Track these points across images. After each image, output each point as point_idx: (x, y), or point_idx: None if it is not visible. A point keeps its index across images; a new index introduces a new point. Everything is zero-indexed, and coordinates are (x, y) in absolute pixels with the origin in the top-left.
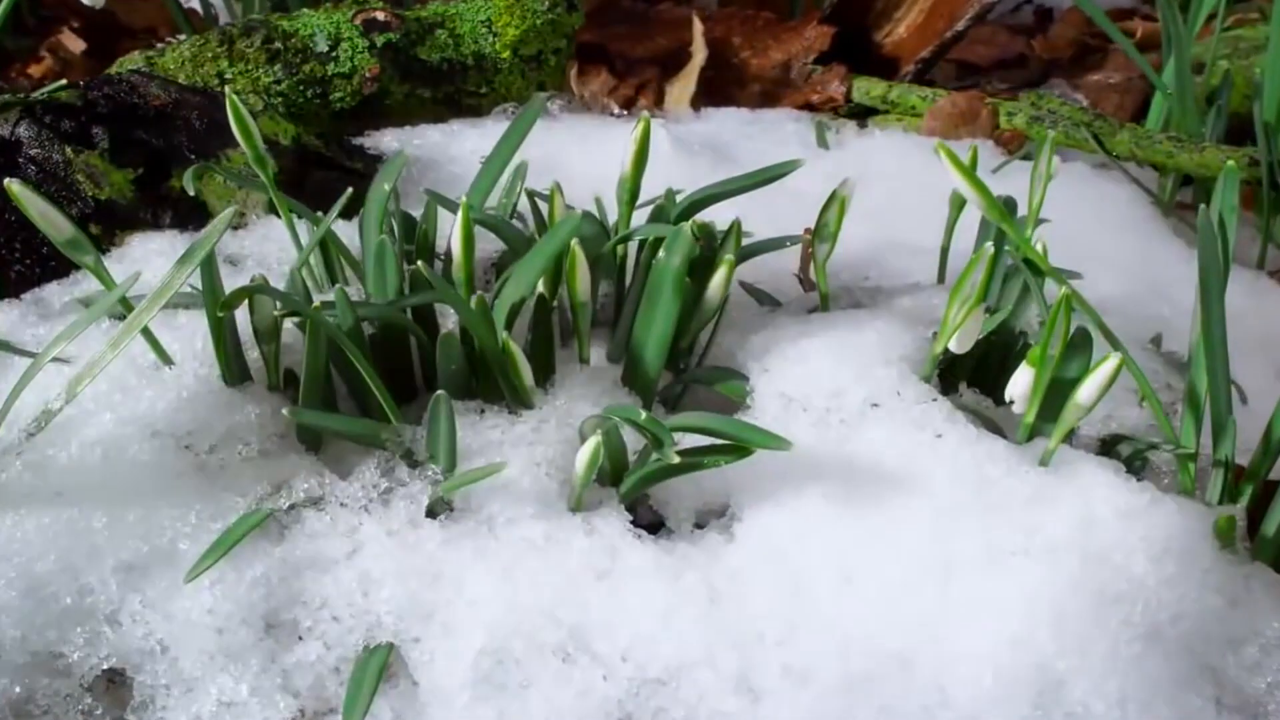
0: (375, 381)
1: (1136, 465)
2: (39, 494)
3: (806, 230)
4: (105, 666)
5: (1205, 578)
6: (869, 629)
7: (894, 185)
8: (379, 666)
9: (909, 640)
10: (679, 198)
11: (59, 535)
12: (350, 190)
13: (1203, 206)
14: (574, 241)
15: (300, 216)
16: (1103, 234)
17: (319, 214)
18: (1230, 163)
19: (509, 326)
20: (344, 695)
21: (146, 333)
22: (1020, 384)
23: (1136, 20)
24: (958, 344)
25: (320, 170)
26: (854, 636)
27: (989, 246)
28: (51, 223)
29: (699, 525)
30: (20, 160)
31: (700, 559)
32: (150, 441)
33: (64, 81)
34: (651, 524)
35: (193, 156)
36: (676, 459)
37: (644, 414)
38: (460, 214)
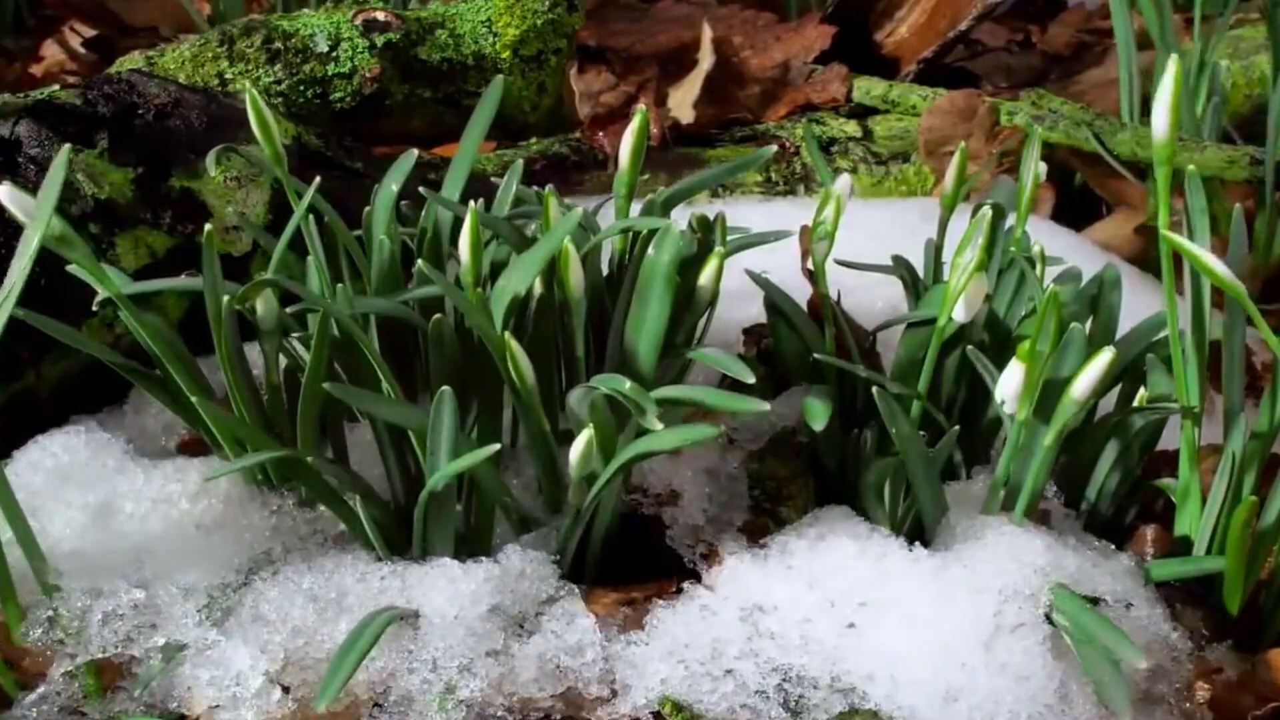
0: (383, 368)
1: (1140, 436)
2: None
3: (804, 227)
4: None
5: None
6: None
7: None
8: (381, 625)
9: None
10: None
11: None
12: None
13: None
14: (566, 239)
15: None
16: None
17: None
18: (1191, 167)
19: (510, 322)
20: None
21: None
22: (1011, 383)
23: (1133, 14)
24: (963, 311)
25: (321, 170)
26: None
27: (987, 208)
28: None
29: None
30: (20, 160)
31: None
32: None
33: (63, 82)
34: (648, 521)
35: (193, 156)
36: (660, 425)
37: (628, 383)
38: (469, 217)
